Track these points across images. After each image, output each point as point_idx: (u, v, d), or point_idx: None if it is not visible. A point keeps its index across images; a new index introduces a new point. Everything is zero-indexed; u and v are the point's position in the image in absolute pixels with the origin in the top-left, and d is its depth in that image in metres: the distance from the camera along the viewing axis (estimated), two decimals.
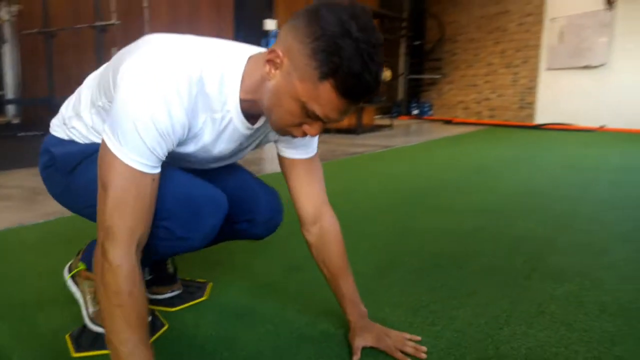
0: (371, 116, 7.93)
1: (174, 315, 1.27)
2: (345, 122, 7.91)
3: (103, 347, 1.06)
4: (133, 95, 0.78)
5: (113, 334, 0.81)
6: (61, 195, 1.12)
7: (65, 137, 1.08)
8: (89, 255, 1.17)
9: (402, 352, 1.06)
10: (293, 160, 1.10)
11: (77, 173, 1.05)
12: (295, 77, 0.79)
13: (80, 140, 1.06)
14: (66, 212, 2.14)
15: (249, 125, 0.93)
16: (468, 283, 1.49)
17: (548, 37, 8.22)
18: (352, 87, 0.77)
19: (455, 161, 4.35)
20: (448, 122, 9.45)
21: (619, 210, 2.42)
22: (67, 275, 1.22)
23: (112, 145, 0.80)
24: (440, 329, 1.20)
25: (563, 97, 8.01)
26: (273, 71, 0.82)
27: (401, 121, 9.79)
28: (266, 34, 6.58)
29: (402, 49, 10.71)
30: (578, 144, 5.65)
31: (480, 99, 9.67)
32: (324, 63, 0.75)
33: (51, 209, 2.29)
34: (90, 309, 1.15)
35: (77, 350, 1.09)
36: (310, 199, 1.11)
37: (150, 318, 1.19)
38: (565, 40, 7.96)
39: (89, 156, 1.04)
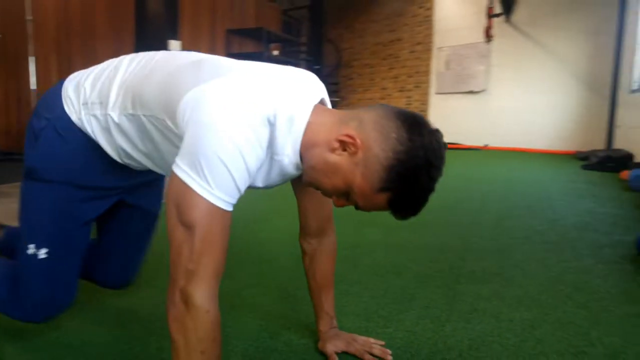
0: None
1: (136, 330, 1.28)
2: None
3: None
4: (219, 134, 0.76)
5: None
6: (25, 175, 1.09)
7: (75, 119, 1.02)
8: None
9: (371, 354, 1.19)
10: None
11: (39, 189, 1.05)
12: (360, 171, 0.82)
13: (88, 132, 1.02)
14: None
15: (300, 167, 0.91)
16: (407, 289, 1.66)
17: (436, 64, 9.02)
18: (404, 209, 0.85)
19: None
20: None
21: (514, 219, 2.78)
22: None
23: (197, 185, 0.77)
24: (393, 331, 1.34)
25: (451, 119, 8.80)
26: (340, 150, 0.84)
27: None
28: None
29: None
30: (468, 161, 6.27)
31: None
32: (394, 182, 0.80)
33: None
34: None
35: None
36: (318, 216, 1.17)
37: None
38: (451, 68, 8.79)
39: (65, 184, 1.05)
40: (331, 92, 10.80)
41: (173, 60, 0.97)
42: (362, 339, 1.24)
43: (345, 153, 0.83)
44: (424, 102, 9.31)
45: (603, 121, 6.66)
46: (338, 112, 0.92)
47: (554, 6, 7.20)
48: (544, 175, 4.75)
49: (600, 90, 6.74)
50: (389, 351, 1.21)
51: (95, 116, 1.00)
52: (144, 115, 0.93)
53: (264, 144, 0.83)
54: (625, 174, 4.23)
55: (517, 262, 1.97)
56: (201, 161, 0.76)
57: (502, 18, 7.46)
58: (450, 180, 4.42)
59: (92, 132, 1.02)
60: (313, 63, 10.72)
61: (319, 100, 0.94)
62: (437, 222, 2.70)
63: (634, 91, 5.69)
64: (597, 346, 1.27)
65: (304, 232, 1.21)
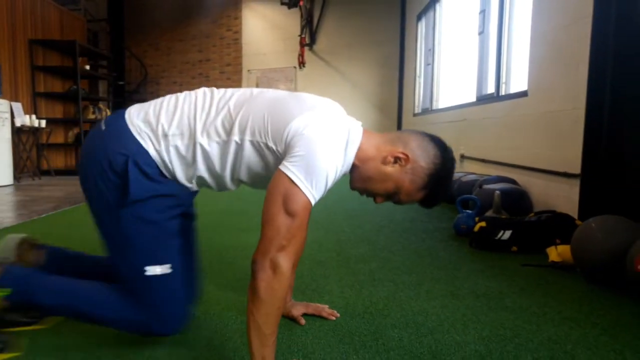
0: None
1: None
2: (63, 162, 7.35)
3: None
4: (326, 154, 1.05)
5: (268, 327, 1.01)
6: (102, 209, 1.19)
7: (152, 152, 1.16)
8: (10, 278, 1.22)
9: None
10: None
11: (133, 215, 1.15)
12: (408, 178, 1.16)
13: (165, 161, 1.16)
14: None
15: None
16: (317, 271, 2.04)
17: (247, 85, 9.54)
18: (431, 202, 1.23)
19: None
20: None
21: (360, 217, 3.39)
22: None
23: (304, 187, 1.02)
24: (329, 298, 1.72)
25: None
26: (392, 163, 1.16)
27: None
28: None
29: (105, 87, 10.38)
30: None
31: None
32: (431, 185, 1.17)
33: None
34: None
35: None
36: None
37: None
38: None
39: (153, 197, 1.16)
40: None
41: (265, 94, 1.21)
42: (313, 304, 1.58)
43: (397, 165, 1.17)
44: None
45: None
46: (381, 135, 1.24)
47: (348, 39, 8.44)
48: None
49: (389, 113, 8.16)
50: (335, 311, 1.57)
51: (175, 147, 1.16)
52: (249, 140, 1.13)
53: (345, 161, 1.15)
54: None
55: (384, 246, 2.52)
56: (311, 170, 1.03)
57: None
58: None
59: (169, 161, 1.17)
60: (117, 78, 10.19)
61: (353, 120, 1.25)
62: None
63: (416, 114, 7.10)
64: (462, 289, 1.84)
65: None
